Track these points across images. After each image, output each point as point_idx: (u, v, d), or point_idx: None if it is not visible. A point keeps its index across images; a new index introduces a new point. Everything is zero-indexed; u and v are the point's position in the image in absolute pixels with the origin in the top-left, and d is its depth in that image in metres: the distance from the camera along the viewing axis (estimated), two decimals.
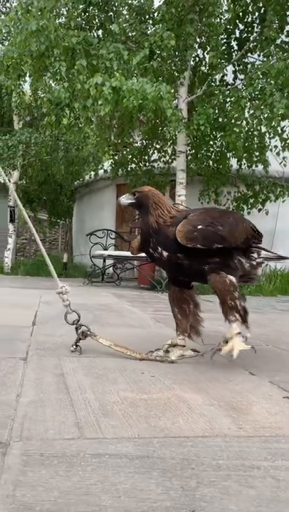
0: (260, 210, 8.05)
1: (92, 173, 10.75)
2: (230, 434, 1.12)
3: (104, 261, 7.93)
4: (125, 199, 1.98)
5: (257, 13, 7.29)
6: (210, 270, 1.86)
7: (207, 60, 7.75)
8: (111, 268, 8.31)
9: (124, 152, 9.21)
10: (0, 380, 1.50)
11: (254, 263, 2.04)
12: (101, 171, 10.43)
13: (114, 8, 7.31)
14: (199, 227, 1.80)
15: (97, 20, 7.47)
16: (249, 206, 8.12)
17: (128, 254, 7.69)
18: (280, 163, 7.95)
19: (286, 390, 1.53)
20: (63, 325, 2.07)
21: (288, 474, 0.91)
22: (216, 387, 1.55)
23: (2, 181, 10.75)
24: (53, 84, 6.93)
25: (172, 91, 6.33)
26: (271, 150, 7.64)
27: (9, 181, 10.63)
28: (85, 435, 1.07)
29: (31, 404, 1.27)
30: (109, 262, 8.13)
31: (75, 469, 0.88)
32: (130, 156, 9.03)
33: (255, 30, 7.39)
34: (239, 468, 0.93)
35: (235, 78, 7.86)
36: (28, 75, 7.06)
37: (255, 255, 2.05)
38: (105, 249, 8.14)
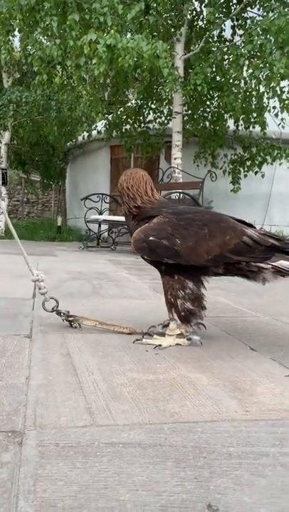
0: (256, 172, 7.97)
1: (86, 133, 10.48)
2: (237, 418, 1.15)
3: (99, 225, 7.89)
4: None
5: None
6: (165, 272, 1.82)
7: (205, 14, 7.41)
8: (106, 232, 8.29)
9: (119, 112, 8.96)
10: (7, 361, 1.52)
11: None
12: (94, 132, 10.17)
13: None
14: (150, 238, 1.71)
15: None
16: (246, 169, 8.03)
17: (123, 219, 7.66)
18: (278, 125, 7.82)
19: (287, 368, 1.57)
20: (64, 296, 2.08)
21: None
22: (219, 365, 1.58)
23: None
24: (44, 41, 6.61)
25: (169, 48, 6.08)
26: (269, 111, 7.48)
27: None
28: (97, 422, 1.09)
29: (41, 388, 1.29)
30: (104, 226, 8.09)
31: (92, 461, 0.91)
32: (125, 117, 8.80)
33: None
34: (249, 455, 0.96)
35: (233, 34, 7.56)
36: (17, 30, 6.72)
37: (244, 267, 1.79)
38: (100, 213, 8.09)
